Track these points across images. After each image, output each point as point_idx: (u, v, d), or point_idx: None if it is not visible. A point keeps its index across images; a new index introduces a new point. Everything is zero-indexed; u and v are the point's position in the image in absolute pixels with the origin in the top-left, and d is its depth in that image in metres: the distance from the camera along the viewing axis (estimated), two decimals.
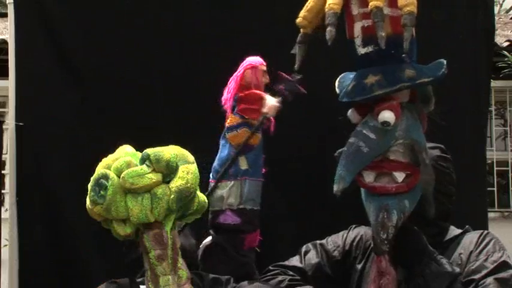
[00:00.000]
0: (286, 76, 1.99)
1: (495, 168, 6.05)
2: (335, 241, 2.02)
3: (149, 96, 2.67)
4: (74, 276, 2.61)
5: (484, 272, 1.76)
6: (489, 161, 5.78)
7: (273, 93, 2.03)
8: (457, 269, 1.75)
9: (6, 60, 2.72)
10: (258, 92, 2.03)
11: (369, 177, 1.67)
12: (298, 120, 2.59)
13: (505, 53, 5.42)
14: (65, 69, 2.70)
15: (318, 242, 2.04)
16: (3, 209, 5.38)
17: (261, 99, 2.02)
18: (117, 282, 1.75)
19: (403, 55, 1.62)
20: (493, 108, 5.98)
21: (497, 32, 5.06)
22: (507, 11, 9.71)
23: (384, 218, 1.64)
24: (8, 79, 2.70)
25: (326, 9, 1.63)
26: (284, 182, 2.58)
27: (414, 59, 1.71)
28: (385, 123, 1.61)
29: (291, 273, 1.97)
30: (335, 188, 1.63)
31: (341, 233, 2.04)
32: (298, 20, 1.74)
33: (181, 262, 1.58)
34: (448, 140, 2.71)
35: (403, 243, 1.71)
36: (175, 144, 1.62)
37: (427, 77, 1.63)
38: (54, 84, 2.70)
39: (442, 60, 1.66)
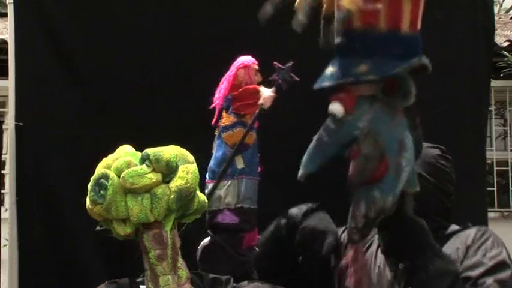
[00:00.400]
0: (279, 65, 2.00)
1: (495, 168, 6.06)
2: None
3: (149, 96, 2.67)
4: (74, 276, 2.61)
5: (481, 269, 1.75)
6: (489, 161, 5.79)
7: (268, 85, 2.04)
8: (459, 268, 1.75)
9: (6, 60, 2.72)
10: (251, 86, 2.04)
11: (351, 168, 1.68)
12: (297, 118, 2.60)
13: (505, 53, 5.42)
14: (64, 69, 2.71)
15: None
16: (3, 209, 5.38)
17: (256, 93, 2.02)
18: (117, 282, 1.75)
19: (375, 43, 1.59)
20: (492, 108, 5.98)
21: (497, 32, 5.06)
22: (507, 11, 9.72)
23: (354, 208, 1.63)
24: (7, 79, 2.70)
25: None
26: (283, 181, 2.58)
27: (414, 53, 1.68)
28: (331, 115, 1.62)
29: None
30: (299, 173, 1.62)
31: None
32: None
33: (181, 262, 1.58)
34: (448, 140, 2.73)
35: (401, 234, 1.70)
36: (175, 144, 1.62)
37: (375, 75, 1.62)
38: (54, 84, 2.71)
39: (416, 58, 1.65)
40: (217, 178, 2.01)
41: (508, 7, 10.21)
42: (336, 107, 1.62)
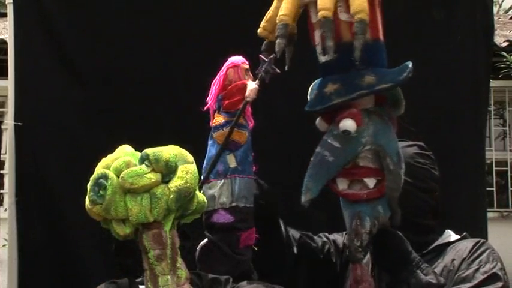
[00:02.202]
0: (264, 58, 2.00)
1: (494, 168, 6.06)
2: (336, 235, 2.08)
3: (149, 95, 2.67)
4: (73, 276, 2.61)
5: (473, 282, 1.76)
6: (488, 161, 5.79)
7: (254, 78, 2.04)
8: (442, 280, 1.73)
9: (6, 60, 2.72)
10: (240, 82, 2.04)
11: (342, 185, 1.67)
12: (296, 117, 2.60)
13: (504, 53, 5.41)
14: (64, 68, 2.70)
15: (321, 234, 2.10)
16: (2, 209, 5.39)
17: (244, 88, 2.02)
18: (117, 282, 1.75)
19: (356, 63, 1.58)
20: (492, 108, 5.98)
21: (496, 32, 5.06)
22: (506, 11, 9.72)
23: (357, 225, 1.63)
24: (7, 79, 2.70)
25: (277, 21, 1.63)
26: (282, 180, 2.58)
27: (384, 64, 1.67)
28: (346, 132, 1.60)
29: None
30: (302, 199, 1.64)
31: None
32: (259, 31, 1.74)
33: (180, 262, 1.58)
34: (448, 140, 2.73)
35: (384, 248, 1.71)
36: (175, 144, 1.62)
37: (386, 83, 1.60)
38: (53, 84, 2.71)
39: (407, 63, 1.64)
40: (205, 176, 2.00)
41: (508, 7, 10.21)
42: (349, 124, 1.60)
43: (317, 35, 1.63)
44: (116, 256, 1.85)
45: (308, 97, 1.76)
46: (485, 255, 1.82)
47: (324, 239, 2.11)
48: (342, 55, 1.59)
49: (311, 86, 1.78)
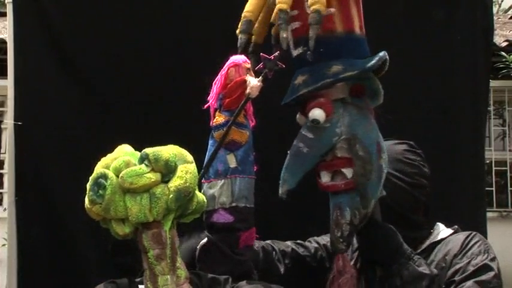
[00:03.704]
0: (266, 56, 2.00)
1: (494, 168, 6.06)
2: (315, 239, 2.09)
3: (149, 95, 2.67)
4: (73, 275, 2.61)
5: (464, 274, 1.77)
6: (488, 161, 5.79)
7: (255, 75, 2.04)
8: (435, 271, 1.75)
9: (5, 60, 2.72)
10: (239, 78, 2.04)
11: (325, 178, 1.68)
12: (294, 116, 2.60)
13: (503, 53, 5.41)
14: (63, 68, 2.70)
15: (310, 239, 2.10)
16: (1, 208, 5.39)
17: (243, 84, 2.02)
18: (116, 282, 1.75)
19: (308, 53, 1.62)
20: (491, 108, 5.98)
21: (495, 32, 5.06)
22: (506, 11, 9.71)
23: (338, 216, 1.64)
24: (6, 78, 2.70)
25: (242, 17, 1.66)
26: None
27: (363, 56, 1.68)
28: (315, 121, 1.61)
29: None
30: (280, 190, 1.65)
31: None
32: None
33: (179, 262, 1.59)
34: (447, 140, 2.73)
35: (375, 241, 1.71)
36: (175, 144, 1.62)
37: (353, 71, 1.62)
38: (52, 84, 2.70)
39: (382, 52, 1.65)
40: (201, 175, 2.00)
41: (507, 7, 10.20)
42: (318, 113, 1.61)
43: (289, 30, 1.64)
44: (113, 256, 1.85)
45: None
46: (475, 247, 1.83)
47: (316, 244, 2.11)
48: (313, 48, 1.61)
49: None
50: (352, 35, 1.65)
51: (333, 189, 1.67)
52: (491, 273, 1.77)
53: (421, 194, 1.92)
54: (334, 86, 1.64)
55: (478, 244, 1.84)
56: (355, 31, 1.66)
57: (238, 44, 1.66)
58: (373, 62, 1.62)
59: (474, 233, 1.91)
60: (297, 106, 1.74)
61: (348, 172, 1.65)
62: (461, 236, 1.89)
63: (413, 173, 1.91)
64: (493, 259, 1.81)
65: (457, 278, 1.77)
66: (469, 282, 1.74)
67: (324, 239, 2.10)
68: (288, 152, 1.67)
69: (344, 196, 1.65)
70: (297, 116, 1.73)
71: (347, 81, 1.65)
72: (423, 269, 1.70)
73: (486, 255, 1.81)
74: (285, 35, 1.59)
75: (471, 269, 1.77)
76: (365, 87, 1.68)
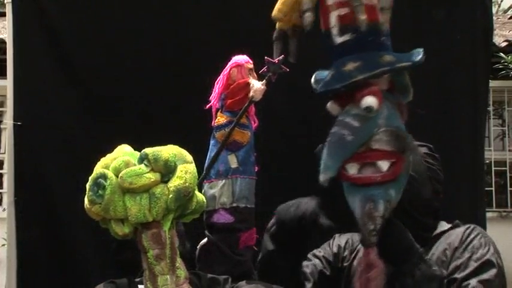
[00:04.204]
0: (270, 59, 2.00)
1: (493, 168, 6.06)
2: (323, 247, 2.04)
3: (149, 95, 2.67)
4: (72, 275, 2.61)
5: (467, 270, 1.75)
6: (487, 161, 5.78)
7: (259, 78, 2.04)
8: (445, 272, 1.74)
9: (5, 60, 2.72)
10: (242, 80, 2.04)
11: (352, 170, 1.63)
12: (296, 117, 2.60)
13: (502, 54, 5.41)
14: (63, 68, 2.71)
15: (309, 255, 2.04)
16: (0, 209, 5.39)
17: (246, 86, 2.03)
18: (115, 282, 1.75)
19: (383, 38, 1.62)
20: (491, 108, 5.98)
21: (495, 32, 5.06)
22: (505, 11, 9.72)
23: (371, 209, 1.59)
24: (6, 78, 2.70)
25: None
26: (281, 179, 2.59)
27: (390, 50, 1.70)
28: (368, 109, 1.59)
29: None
30: (321, 177, 1.59)
31: (326, 243, 2.05)
32: (273, 13, 1.74)
33: (179, 262, 1.58)
34: (447, 140, 2.73)
35: (387, 238, 1.70)
36: (175, 144, 1.62)
37: (406, 62, 1.62)
38: (52, 84, 2.71)
39: (419, 49, 1.66)
40: (203, 175, 2.00)
41: (507, 7, 10.21)
42: (372, 100, 1.60)
43: (333, 17, 1.64)
44: (118, 253, 1.85)
45: (313, 86, 1.73)
46: (476, 240, 1.82)
47: (317, 260, 2.06)
48: (359, 35, 1.61)
49: (314, 76, 1.75)
50: (387, 28, 1.66)
51: (366, 182, 1.62)
52: (494, 271, 1.75)
53: (437, 199, 1.92)
54: (382, 76, 1.64)
55: (478, 237, 1.83)
56: (387, 25, 1.67)
57: (305, 23, 1.64)
58: (420, 56, 1.62)
59: (474, 225, 1.90)
60: (331, 95, 1.70)
61: (384, 165, 1.61)
62: (461, 229, 1.88)
63: (433, 178, 1.91)
64: (495, 253, 1.80)
65: (458, 275, 1.76)
66: (473, 282, 1.74)
67: (319, 252, 2.07)
68: (328, 138, 1.63)
69: (378, 188, 1.61)
70: (329, 104, 1.68)
71: (401, 70, 1.64)
72: (435, 270, 1.69)
73: (487, 248, 1.79)
74: (363, 17, 1.58)
75: (473, 264, 1.76)
76: (394, 83, 1.69)
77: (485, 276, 1.74)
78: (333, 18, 1.64)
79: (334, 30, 1.63)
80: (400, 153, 1.63)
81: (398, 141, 1.62)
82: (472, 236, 1.84)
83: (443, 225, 1.95)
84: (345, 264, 1.95)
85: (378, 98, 1.60)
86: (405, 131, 1.65)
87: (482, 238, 1.83)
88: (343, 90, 1.62)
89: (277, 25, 1.75)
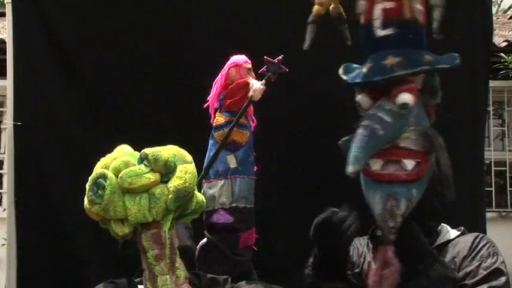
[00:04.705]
0: (269, 59, 2.00)
1: (493, 168, 6.05)
2: None
3: (148, 95, 2.67)
4: (72, 275, 2.61)
5: (476, 278, 1.76)
6: (487, 161, 5.78)
7: (259, 78, 2.04)
8: (458, 275, 1.74)
9: (4, 60, 2.72)
10: (241, 80, 2.04)
11: (375, 165, 1.62)
12: (295, 116, 2.60)
13: (502, 54, 5.41)
14: (63, 68, 2.71)
15: None
16: (1, 209, 5.38)
17: (245, 86, 2.03)
18: (115, 282, 1.75)
19: (422, 37, 1.63)
20: (491, 108, 5.97)
21: (495, 32, 5.06)
22: (505, 11, 9.71)
23: (393, 206, 1.58)
24: (6, 78, 2.70)
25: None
26: (280, 179, 2.59)
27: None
28: (404, 105, 1.58)
29: None
30: (350, 169, 1.55)
31: None
32: None
33: (179, 262, 1.58)
34: (446, 140, 2.73)
35: (404, 237, 1.68)
36: (175, 144, 1.62)
37: (445, 64, 1.62)
38: (52, 84, 2.71)
39: (454, 53, 1.66)
40: (202, 175, 2.00)
41: (506, 7, 10.21)
42: (408, 97, 1.59)
43: (377, 9, 1.63)
44: (123, 249, 1.84)
45: (343, 77, 1.71)
46: (485, 249, 1.83)
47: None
48: (401, 31, 1.61)
49: (342, 67, 1.73)
50: (425, 29, 1.66)
51: (390, 179, 1.61)
52: (503, 279, 1.77)
53: (439, 202, 1.92)
54: (419, 75, 1.64)
55: (486, 246, 1.84)
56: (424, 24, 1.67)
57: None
58: (458, 60, 1.62)
59: (482, 234, 1.91)
60: (363, 87, 1.69)
61: (409, 164, 1.61)
62: (469, 237, 1.89)
63: (434, 180, 1.90)
64: (503, 262, 1.81)
65: (469, 281, 1.75)
66: (484, 287, 1.74)
67: None
68: (358, 131, 1.62)
69: (401, 187, 1.60)
70: (359, 97, 1.67)
71: (440, 71, 1.64)
72: (450, 271, 1.69)
73: (496, 257, 1.81)
74: (437, 16, 1.61)
75: (483, 272, 1.77)
76: (426, 84, 1.69)
77: (495, 283, 1.75)
78: (378, 10, 1.63)
79: (377, 23, 1.62)
80: (426, 153, 1.62)
81: (426, 142, 1.61)
82: (480, 245, 1.85)
83: (448, 230, 1.95)
84: (356, 270, 1.94)
85: (414, 95, 1.60)
86: (436, 132, 1.64)
87: (491, 247, 1.84)
88: (382, 84, 1.60)
89: (315, 9, 1.74)
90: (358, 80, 1.64)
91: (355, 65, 1.71)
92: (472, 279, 1.76)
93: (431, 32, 1.66)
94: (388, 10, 1.62)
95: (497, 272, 1.77)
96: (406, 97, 1.58)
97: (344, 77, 1.70)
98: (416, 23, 1.63)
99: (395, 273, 1.59)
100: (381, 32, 1.63)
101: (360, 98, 1.67)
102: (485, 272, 1.77)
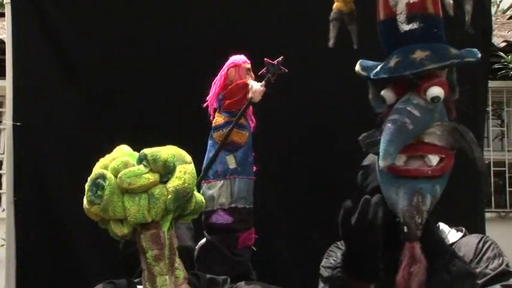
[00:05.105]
0: (269, 60, 2.00)
1: (492, 169, 6.06)
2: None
3: (148, 95, 2.67)
4: (72, 276, 2.61)
5: (487, 277, 1.76)
6: (486, 161, 5.78)
7: (258, 80, 2.04)
8: (476, 271, 1.74)
9: (4, 60, 2.72)
10: (240, 81, 2.04)
11: (399, 161, 1.59)
12: (294, 116, 2.60)
13: (502, 54, 5.41)
14: (62, 68, 2.71)
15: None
16: (0, 209, 5.38)
17: (244, 87, 2.02)
18: (115, 282, 1.75)
19: (443, 32, 1.64)
20: (490, 108, 5.98)
21: (494, 33, 5.06)
22: (504, 12, 9.72)
23: (419, 202, 1.57)
24: (5, 79, 2.70)
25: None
26: (279, 179, 2.59)
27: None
28: (435, 99, 1.57)
29: None
30: (382, 163, 1.54)
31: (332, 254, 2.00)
32: None
33: (178, 262, 1.58)
34: None
35: (424, 233, 1.66)
36: (175, 145, 1.62)
37: (470, 58, 1.62)
38: (51, 84, 2.71)
39: (474, 49, 1.66)
40: (201, 176, 2.00)
41: (506, 7, 10.21)
42: (439, 91, 1.59)
43: (401, 4, 1.63)
44: (125, 247, 1.84)
45: (362, 73, 1.70)
46: (490, 251, 1.83)
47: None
48: (426, 26, 1.61)
49: (359, 63, 1.72)
50: (442, 23, 1.67)
51: (415, 174, 1.60)
52: None
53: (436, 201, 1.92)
54: (446, 69, 1.64)
55: (491, 248, 1.83)
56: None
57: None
58: (480, 55, 1.63)
59: (484, 236, 1.91)
60: (385, 83, 1.67)
61: (434, 159, 1.60)
62: (474, 239, 1.88)
63: None
64: (507, 262, 1.81)
65: (480, 281, 1.74)
66: (496, 286, 1.73)
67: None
68: (387, 125, 1.60)
69: (426, 182, 1.59)
70: (384, 92, 1.65)
71: (466, 66, 1.63)
72: (469, 267, 1.69)
73: (501, 258, 1.81)
74: (451, 1, 1.59)
75: (491, 272, 1.77)
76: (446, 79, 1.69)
77: (507, 282, 1.75)
78: (402, 4, 1.63)
79: (401, 17, 1.62)
80: (450, 149, 1.61)
81: (451, 138, 1.60)
82: (485, 247, 1.84)
83: (449, 231, 1.94)
84: None
85: (444, 89, 1.59)
86: (465, 127, 1.63)
87: (495, 249, 1.84)
88: (412, 78, 1.59)
89: (335, 5, 1.74)
90: (384, 75, 1.62)
91: (370, 62, 1.71)
92: (481, 279, 1.76)
93: (452, 25, 1.66)
94: (412, 4, 1.61)
95: (506, 273, 1.78)
96: (437, 91, 1.58)
97: (363, 73, 1.68)
98: (439, 17, 1.64)
99: (423, 269, 1.56)
100: (406, 27, 1.62)
101: (384, 92, 1.65)
102: (493, 273, 1.77)
